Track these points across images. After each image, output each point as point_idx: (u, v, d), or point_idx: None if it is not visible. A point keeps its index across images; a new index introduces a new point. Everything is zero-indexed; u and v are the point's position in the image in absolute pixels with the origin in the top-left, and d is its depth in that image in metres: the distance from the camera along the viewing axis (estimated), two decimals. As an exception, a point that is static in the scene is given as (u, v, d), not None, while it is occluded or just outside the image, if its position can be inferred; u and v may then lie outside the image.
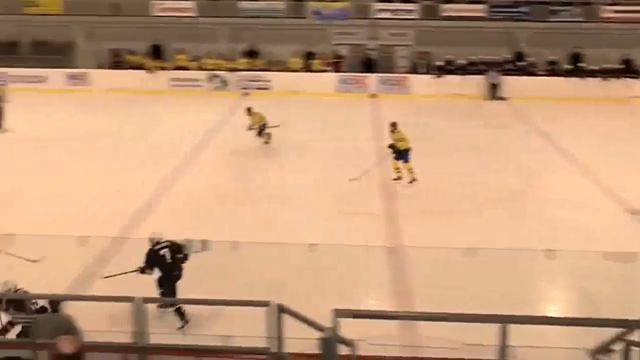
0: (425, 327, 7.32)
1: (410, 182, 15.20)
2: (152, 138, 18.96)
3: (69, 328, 6.80)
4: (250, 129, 18.27)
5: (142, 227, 12.34)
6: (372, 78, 27.61)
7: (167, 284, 8.98)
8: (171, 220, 12.63)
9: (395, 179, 15.40)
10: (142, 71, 27.76)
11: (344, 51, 29.28)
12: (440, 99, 26.08)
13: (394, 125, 15.74)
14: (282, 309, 5.16)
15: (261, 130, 18.32)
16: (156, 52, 29.23)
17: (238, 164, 17.18)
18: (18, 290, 8.05)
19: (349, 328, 4.69)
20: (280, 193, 14.69)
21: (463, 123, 22.18)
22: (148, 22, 28.29)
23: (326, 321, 4.67)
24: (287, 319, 5.19)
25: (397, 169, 15.42)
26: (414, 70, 28.48)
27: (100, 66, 28.67)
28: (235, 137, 18.56)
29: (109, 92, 26.56)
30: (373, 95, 26.79)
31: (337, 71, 28.27)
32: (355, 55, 29.10)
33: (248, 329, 5.36)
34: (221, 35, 28.81)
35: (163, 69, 28.05)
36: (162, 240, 9.24)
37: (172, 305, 8.94)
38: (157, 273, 9.03)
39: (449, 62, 27.85)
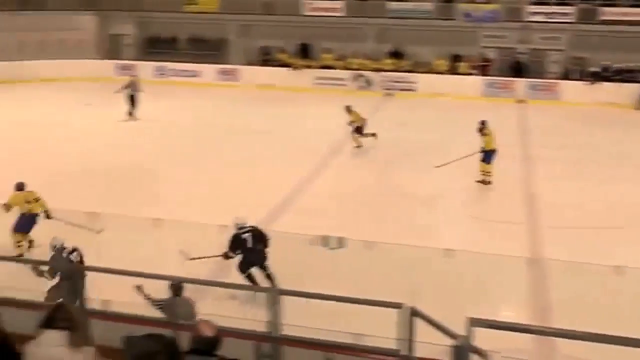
0: (564, 345, 6.96)
1: (482, 182, 15.06)
2: (294, 134, 19.39)
3: (192, 311, 7.29)
4: (350, 124, 18.19)
5: (280, 221, 12.67)
6: (521, 83, 26.71)
7: (246, 269, 9.48)
8: (308, 216, 12.87)
9: (478, 181, 15.13)
10: (289, 69, 28.52)
11: (492, 54, 28.55)
12: (593, 107, 24.77)
13: (483, 123, 15.45)
14: (414, 312, 5.08)
15: (357, 129, 18.19)
16: (304, 51, 29.93)
17: (376, 164, 17.18)
18: (65, 248, 8.78)
19: (481, 338, 4.54)
20: (418, 195, 14.55)
21: (615, 133, 20.95)
22: (298, 21, 28.97)
23: (459, 329, 4.55)
24: (419, 323, 5.11)
25: (482, 171, 15.16)
26: (566, 76, 27.22)
27: (250, 62, 29.77)
28: (377, 137, 18.55)
29: (257, 88, 27.52)
30: (521, 101, 25.90)
31: (484, 75, 27.62)
32: (503, 59, 28.29)
33: (379, 329, 5.33)
34: (368, 35, 28.98)
35: (309, 67, 28.63)
36: (246, 225, 9.65)
37: (242, 272, 9.50)
38: (238, 257, 9.54)
39: (605, 69, 26.38)
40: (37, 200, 11.07)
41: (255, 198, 13.93)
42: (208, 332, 3.88)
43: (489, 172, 15.11)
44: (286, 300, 5.32)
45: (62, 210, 10.93)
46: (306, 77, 28.23)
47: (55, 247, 8.85)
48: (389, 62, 28.35)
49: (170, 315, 7.28)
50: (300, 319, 5.86)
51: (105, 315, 6.37)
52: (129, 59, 30.41)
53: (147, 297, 7.60)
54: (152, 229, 10.58)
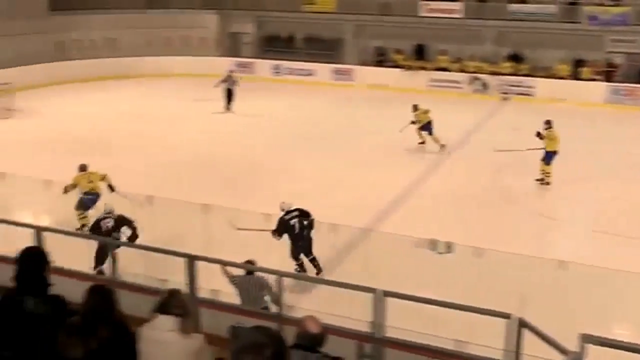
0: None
1: (539, 181, 15.21)
2: (406, 135, 19.23)
3: (264, 290, 7.93)
4: (413, 123, 18.32)
5: (387, 222, 12.65)
6: (649, 90, 25.26)
7: (298, 254, 10.13)
8: (418, 219, 12.77)
9: (537, 180, 15.27)
10: (402, 69, 28.34)
11: (618, 59, 27.14)
12: None
13: (548, 123, 15.49)
14: (523, 324, 4.93)
15: (422, 127, 18.26)
16: (419, 52, 29.64)
17: (487, 168, 16.76)
18: (110, 212, 9.99)
19: (594, 356, 4.34)
20: (532, 203, 14.12)
21: None
22: (414, 22, 28.72)
23: (570, 345, 4.38)
24: (527, 335, 4.95)
25: (542, 170, 15.25)
26: (701, 84, 25.49)
27: (364, 63, 29.80)
28: (490, 141, 18.15)
29: (370, 88, 27.52)
30: (648, 109, 24.53)
31: (608, 81, 26.31)
32: (631, 64, 26.82)
33: (484, 338, 5.22)
34: (486, 37, 28.32)
35: (424, 68, 28.33)
36: (292, 208, 10.24)
37: (295, 259, 10.18)
38: (287, 240, 10.15)
39: None
40: (102, 178, 12.34)
41: (363, 198, 13.98)
42: (313, 329, 3.92)
43: (548, 173, 15.17)
44: (390, 302, 5.30)
45: (170, 200, 11.36)
46: (420, 78, 27.95)
47: (103, 212, 9.99)
48: (507, 65, 27.59)
49: (242, 291, 8.00)
50: (403, 322, 5.82)
51: (214, 305, 6.58)
52: (247, 57, 31.23)
53: (226, 273, 8.14)
54: (263, 224, 10.77)
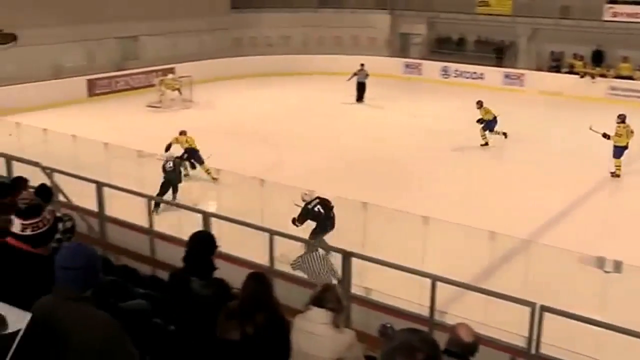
0: None
1: (612, 174, 15.97)
2: (575, 146, 18.27)
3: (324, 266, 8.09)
4: (480, 120, 18.85)
5: (550, 234, 12.11)
6: None
7: (320, 235, 10.55)
8: (582, 234, 12.13)
9: (611, 172, 16.00)
10: (578, 76, 26.93)
11: None
12: None
13: (621, 117, 16.28)
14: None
15: (487, 126, 18.67)
16: (598, 58, 27.95)
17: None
18: (169, 160, 13.38)
19: None
20: None
21: None
22: (594, 26, 27.13)
23: None
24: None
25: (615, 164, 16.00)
26: None
27: (538, 68, 28.62)
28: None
29: (541, 94, 26.41)
30: None
31: None
32: None
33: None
34: (678, 44, 26.18)
35: (603, 76, 26.70)
36: (314, 197, 10.94)
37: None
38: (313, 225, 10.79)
39: None
40: (189, 143, 14.98)
41: (525, 207, 13.53)
42: (466, 337, 3.85)
43: (618, 167, 16.04)
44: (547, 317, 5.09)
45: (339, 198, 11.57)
46: (599, 86, 26.36)
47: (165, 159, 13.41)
48: (701, 74, 25.38)
49: (303, 269, 8.19)
50: (560, 340, 5.56)
51: (365, 302, 6.65)
52: (415, 58, 31.11)
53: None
54: (421, 226, 10.68)
